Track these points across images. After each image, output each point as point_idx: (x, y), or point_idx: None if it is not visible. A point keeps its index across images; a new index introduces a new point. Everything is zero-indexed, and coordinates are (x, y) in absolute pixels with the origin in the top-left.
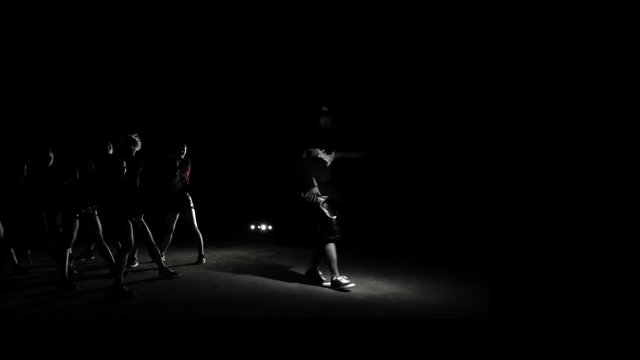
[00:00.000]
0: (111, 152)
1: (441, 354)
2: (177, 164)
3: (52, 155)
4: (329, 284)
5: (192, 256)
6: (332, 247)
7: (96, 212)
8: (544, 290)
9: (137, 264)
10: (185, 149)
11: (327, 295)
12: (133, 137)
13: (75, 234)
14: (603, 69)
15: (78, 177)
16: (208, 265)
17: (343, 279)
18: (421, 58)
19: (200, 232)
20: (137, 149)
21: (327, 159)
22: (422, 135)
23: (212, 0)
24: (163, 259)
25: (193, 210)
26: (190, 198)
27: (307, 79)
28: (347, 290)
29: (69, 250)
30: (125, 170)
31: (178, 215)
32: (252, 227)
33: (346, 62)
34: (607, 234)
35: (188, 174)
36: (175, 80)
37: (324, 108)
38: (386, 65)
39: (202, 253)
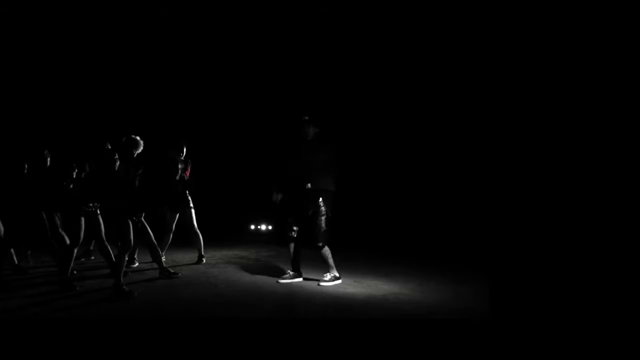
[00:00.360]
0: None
1: (441, 354)
2: (179, 164)
3: (48, 155)
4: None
5: (192, 256)
6: (291, 246)
7: (98, 211)
8: (544, 290)
9: (137, 264)
10: (185, 149)
11: (326, 295)
12: (135, 138)
13: (82, 233)
14: (603, 69)
15: (75, 176)
16: (208, 265)
17: (287, 275)
18: (421, 59)
19: (200, 232)
20: (139, 151)
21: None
22: (422, 136)
23: (212, 1)
24: (163, 259)
25: (193, 211)
26: (190, 198)
27: (307, 80)
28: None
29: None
30: (118, 161)
31: (178, 215)
32: (252, 227)
33: (347, 62)
34: (607, 234)
35: (188, 174)
36: (175, 81)
37: (305, 117)
38: (387, 66)
39: (202, 253)
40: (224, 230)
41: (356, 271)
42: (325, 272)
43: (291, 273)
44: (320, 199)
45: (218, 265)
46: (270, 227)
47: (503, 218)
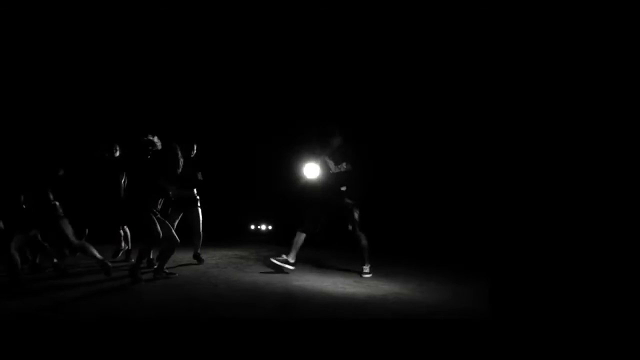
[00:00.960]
0: (117, 154)
1: (441, 354)
2: (179, 156)
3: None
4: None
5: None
6: (303, 236)
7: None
8: (544, 290)
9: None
10: (195, 148)
11: (326, 295)
12: (150, 138)
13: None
14: (603, 69)
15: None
16: (208, 265)
17: (290, 260)
18: (421, 60)
19: (201, 232)
20: (157, 148)
21: (332, 167)
22: (423, 136)
23: (216, 1)
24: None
25: (200, 211)
26: (198, 197)
27: (307, 80)
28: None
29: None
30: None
31: (181, 214)
32: (252, 227)
33: (348, 63)
34: (607, 234)
35: None
36: (176, 81)
37: (330, 125)
38: (387, 67)
39: (199, 251)
40: (224, 230)
41: (356, 271)
42: (363, 265)
43: (284, 257)
44: (351, 199)
45: (218, 265)
46: (270, 227)
47: (503, 218)
